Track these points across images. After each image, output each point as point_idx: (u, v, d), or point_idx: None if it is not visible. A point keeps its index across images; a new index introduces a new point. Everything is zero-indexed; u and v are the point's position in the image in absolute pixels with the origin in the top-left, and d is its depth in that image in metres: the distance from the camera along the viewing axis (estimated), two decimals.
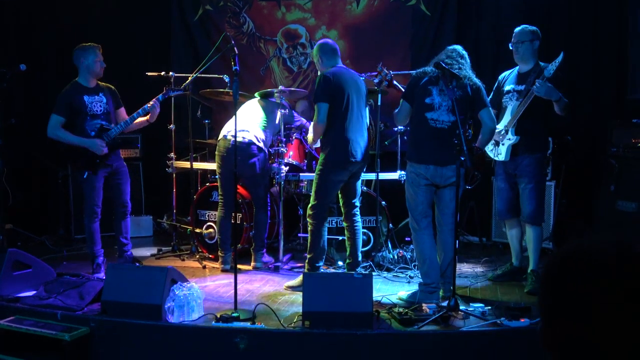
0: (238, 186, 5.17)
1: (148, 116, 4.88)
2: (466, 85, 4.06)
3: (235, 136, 4.21)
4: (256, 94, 5.21)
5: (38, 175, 6.54)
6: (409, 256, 5.01)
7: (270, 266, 5.13)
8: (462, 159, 3.67)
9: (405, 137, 4.89)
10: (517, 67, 4.58)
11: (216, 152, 5.12)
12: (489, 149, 4.56)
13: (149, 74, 5.54)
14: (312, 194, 4.54)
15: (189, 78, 5.29)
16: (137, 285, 3.68)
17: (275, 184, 5.27)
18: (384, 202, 5.23)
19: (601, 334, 1.02)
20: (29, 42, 6.44)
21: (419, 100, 4.12)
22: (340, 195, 4.67)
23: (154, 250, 5.80)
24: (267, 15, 6.86)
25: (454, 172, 3.87)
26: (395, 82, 4.61)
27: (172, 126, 5.61)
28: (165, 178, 5.92)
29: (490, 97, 4.50)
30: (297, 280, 4.36)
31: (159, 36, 6.92)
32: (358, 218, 4.68)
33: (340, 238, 5.03)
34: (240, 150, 4.81)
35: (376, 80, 4.76)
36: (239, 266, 4.60)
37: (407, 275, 4.83)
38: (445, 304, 3.77)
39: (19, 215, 5.94)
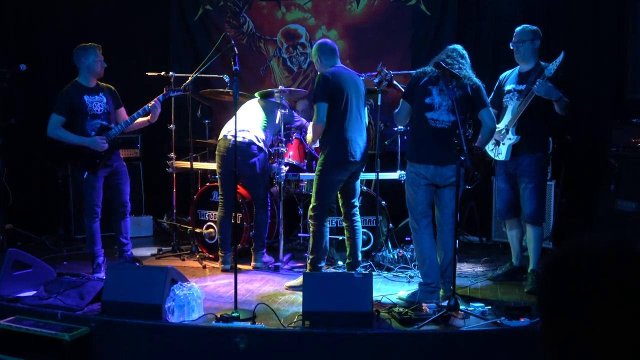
0: (238, 186, 5.17)
1: (149, 116, 4.89)
2: (466, 85, 4.06)
3: (235, 136, 4.21)
4: (256, 94, 5.20)
5: (38, 175, 6.54)
6: (409, 256, 5.01)
7: (270, 266, 5.13)
8: (462, 158, 3.67)
9: (405, 137, 4.89)
10: (518, 67, 4.57)
11: (216, 152, 5.12)
12: (490, 148, 4.56)
13: (149, 74, 5.55)
14: (313, 195, 4.54)
15: (189, 78, 5.28)
16: (137, 285, 3.69)
17: (275, 183, 5.27)
18: (384, 202, 5.23)
19: (601, 334, 1.02)
20: (29, 42, 6.44)
21: (419, 100, 4.12)
22: (339, 195, 4.67)
23: (154, 250, 5.80)
24: (267, 15, 6.85)
25: (454, 172, 3.87)
26: (395, 82, 4.60)
27: (172, 126, 5.61)
28: (166, 178, 5.92)
29: (490, 97, 4.50)
30: (297, 280, 4.36)
31: (159, 36, 6.92)
32: (358, 218, 4.68)
33: (340, 238, 5.03)
34: (241, 150, 4.81)
35: (376, 80, 4.75)
36: (239, 266, 4.60)
37: (407, 275, 4.84)
38: (445, 303, 3.77)
39: (19, 215, 5.94)
